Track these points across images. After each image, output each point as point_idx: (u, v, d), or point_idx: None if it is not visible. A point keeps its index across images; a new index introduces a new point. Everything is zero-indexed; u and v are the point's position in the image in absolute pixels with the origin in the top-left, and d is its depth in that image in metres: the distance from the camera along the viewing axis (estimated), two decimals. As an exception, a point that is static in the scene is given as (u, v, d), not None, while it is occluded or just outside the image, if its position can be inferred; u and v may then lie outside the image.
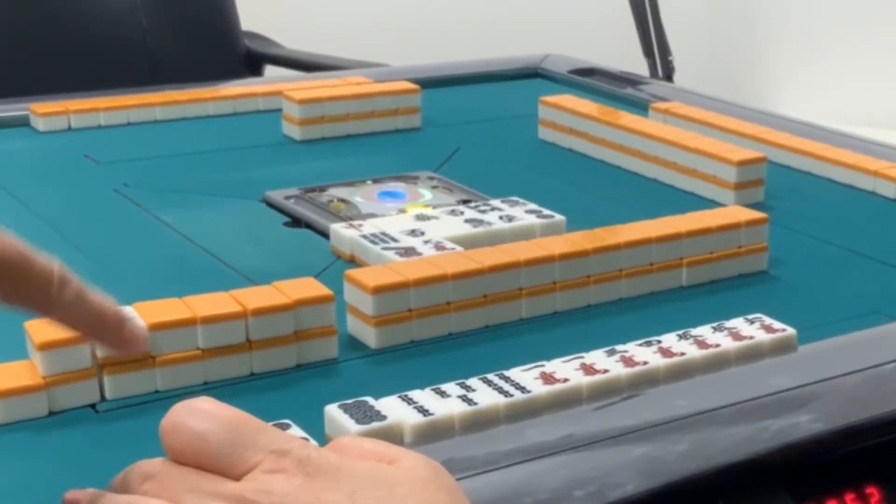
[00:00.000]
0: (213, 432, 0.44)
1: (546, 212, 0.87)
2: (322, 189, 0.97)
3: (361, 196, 0.96)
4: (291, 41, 2.04)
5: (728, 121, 1.12)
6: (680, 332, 0.68)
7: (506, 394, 0.60)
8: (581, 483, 0.53)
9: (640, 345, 0.66)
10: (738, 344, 0.67)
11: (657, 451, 0.56)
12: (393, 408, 0.58)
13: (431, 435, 0.57)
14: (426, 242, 0.80)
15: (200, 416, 0.45)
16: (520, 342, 0.72)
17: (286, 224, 0.92)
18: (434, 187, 0.99)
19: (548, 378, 0.62)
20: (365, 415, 0.57)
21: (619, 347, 0.66)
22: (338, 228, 0.84)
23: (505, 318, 0.74)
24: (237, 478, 0.43)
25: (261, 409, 0.47)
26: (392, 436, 0.57)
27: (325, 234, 0.87)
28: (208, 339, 0.65)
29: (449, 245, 0.79)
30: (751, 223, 0.82)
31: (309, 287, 0.69)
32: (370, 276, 0.71)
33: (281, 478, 0.43)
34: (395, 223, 0.85)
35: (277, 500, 0.42)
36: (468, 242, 0.81)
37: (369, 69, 1.45)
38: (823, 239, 0.90)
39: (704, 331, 0.68)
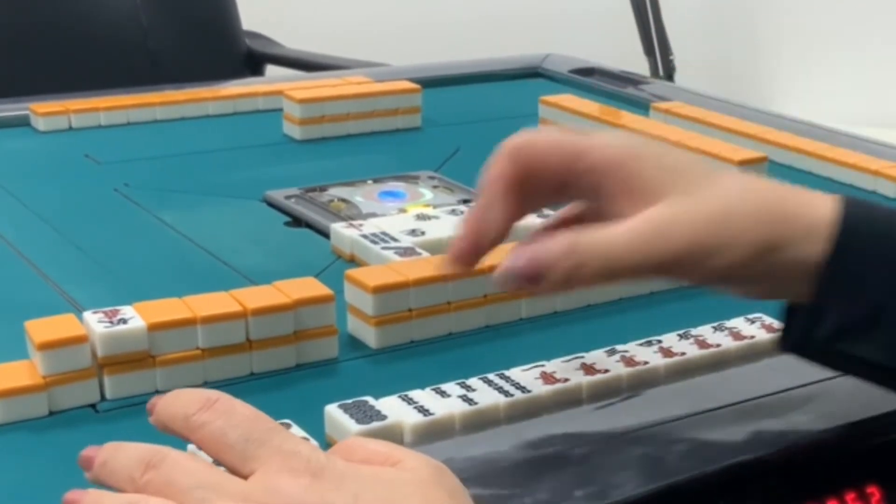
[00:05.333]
0: (232, 427, 0.45)
1: (546, 211, 0.87)
2: (322, 189, 0.97)
3: (362, 196, 0.96)
4: (292, 41, 2.04)
5: (729, 120, 1.12)
6: (680, 331, 0.68)
7: (506, 393, 0.60)
8: (581, 483, 0.53)
9: (641, 344, 0.66)
10: (738, 343, 0.67)
11: (657, 451, 0.56)
12: (393, 408, 0.58)
13: (431, 435, 0.57)
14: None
15: (223, 409, 0.45)
16: (520, 342, 0.72)
17: (286, 224, 0.92)
18: (434, 187, 0.99)
19: (548, 378, 0.62)
20: (365, 415, 0.57)
21: (619, 347, 0.66)
22: (338, 228, 0.84)
23: (505, 318, 0.74)
24: (245, 475, 0.44)
25: (261, 408, 0.47)
26: (392, 435, 0.57)
27: (325, 234, 0.87)
28: (208, 339, 0.65)
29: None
30: (751, 223, 0.82)
31: (309, 287, 0.69)
32: (370, 275, 0.71)
33: (288, 477, 0.43)
34: (395, 223, 0.85)
35: (283, 499, 0.42)
36: (468, 242, 0.81)
37: (370, 69, 1.45)
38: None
39: (705, 330, 0.68)
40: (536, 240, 0.56)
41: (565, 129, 0.59)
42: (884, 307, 0.54)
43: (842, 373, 0.58)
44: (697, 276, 0.56)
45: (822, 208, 0.55)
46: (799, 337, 0.56)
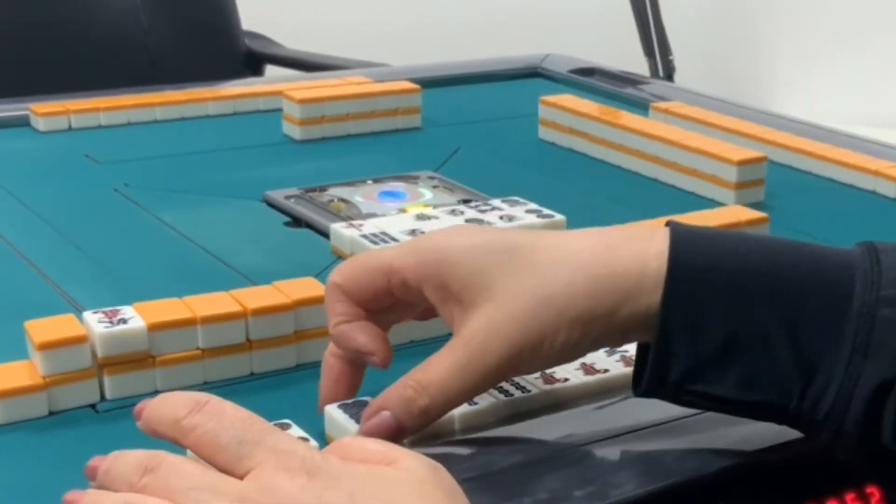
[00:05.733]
0: (224, 429, 0.45)
1: (546, 211, 0.87)
2: (322, 189, 0.97)
3: (362, 196, 0.96)
4: (292, 41, 2.04)
5: (728, 120, 1.12)
6: (680, 331, 0.67)
7: (506, 393, 0.60)
8: (581, 483, 0.53)
9: (641, 345, 0.66)
10: (738, 344, 0.66)
11: (657, 451, 0.56)
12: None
13: (431, 435, 0.57)
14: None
15: (214, 412, 0.45)
16: (520, 342, 0.72)
17: (286, 224, 0.92)
18: (434, 187, 0.99)
19: (548, 378, 0.62)
20: None
21: (619, 347, 0.65)
22: (338, 228, 0.84)
23: (505, 317, 0.74)
24: (241, 475, 0.44)
25: (261, 409, 0.47)
26: (392, 436, 0.57)
27: (325, 234, 0.87)
28: (208, 339, 0.65)
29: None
30: (751, 223, 0.82)
31: (309, 287, 0.69)
32: (370, 275, 0.71)
33: (284, 477, 0.43)
34: (395, 223, 0.84)
35: (280, 499, 0.43)
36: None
37: (369, 69, 1.45)
38: (824, 238, 0.89)
39: (704, 330, 0.68)
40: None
41: (375, 250, 0.57)
42: (734, 337, 0.52)
43: (700, 410, 0.56)
44: (538, 367, 0.57)
45: (652, 254, 0.53)
46: (650, 382, 0.54)
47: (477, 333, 0.54)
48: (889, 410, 0.51)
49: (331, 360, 0.60)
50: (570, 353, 0.55)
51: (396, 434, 0.55)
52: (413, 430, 0.55)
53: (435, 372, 0.54)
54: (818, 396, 0.52)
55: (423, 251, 0.56)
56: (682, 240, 0.53)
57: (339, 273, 0.58)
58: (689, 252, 0.53)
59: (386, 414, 0.55)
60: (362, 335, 0.57)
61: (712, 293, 0.52)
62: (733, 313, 0.52)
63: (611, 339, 0.55)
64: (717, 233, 0.55)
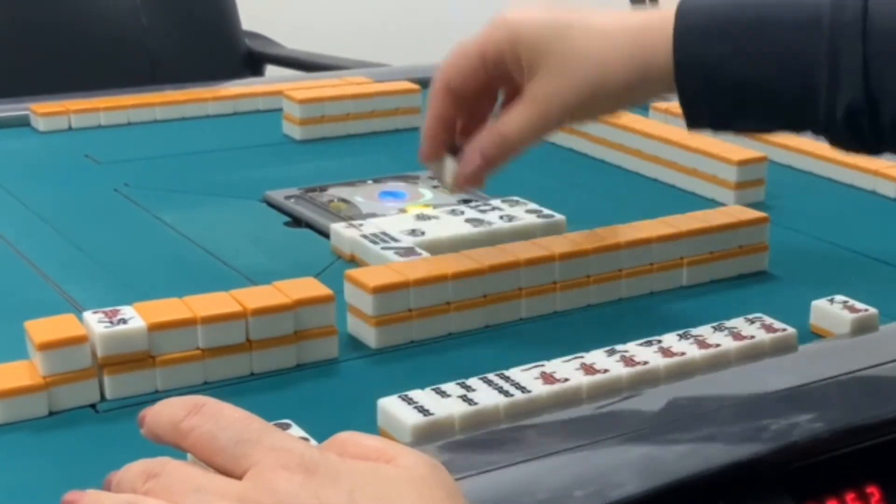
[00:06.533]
0: (221, 429, 0.45)
1: (546, 211, 0.87)
2: (322, 189, 0.97)
3: (362, 196, 0.96)
4: (292, 41, 2.04)
5: (728, 120, 1.11)
6: (680, 331, 0.68)
7: (506, 394, 0.60)
8: (581, 483, 0.53)
9: (641, 345, 0.66)
10: (738, 344, 0.67)
11: (657, 451, 0.56)
12: (393, 408, 0.58)
13: (431, 435, 0.57)
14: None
15: (211, 413, 0.46)
16: (520, 342, 0.72)
17: (286, 224, 0.92)
18: (434, 187, 0.99)
19: (548, 378, 0.62)
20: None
21: (619, 347, 0.66)
22: (338, 228, 0.84)
23: (505, 318, 0.74)
24: (240, 475, 0.44)
25: (261, 409, 0.47)
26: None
27: (325, 234, 0.87)
28: (208, 339, 0.65)
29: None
30: (751, 223, 0.82)
31: (309, 287, 0.69)
32: (370, 275, 0.71)
33: (283, 475, 0.43)
34: (395, 223, 0.85)
35: (279, 498, 0.43)
36: (468, 242, 0.81)
37: (369, 69, 1.45)
38: (824, 238, 0.90)
39: (705, 330, 0.68)
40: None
41: (461, 43, 0.77)
42: (743, 85, 0.66)
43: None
44: (587, 119, 0.79)
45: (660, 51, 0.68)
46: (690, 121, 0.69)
47: (538, 94, 0.71)
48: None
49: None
50: (610, 109, 0.74)
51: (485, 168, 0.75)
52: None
53: (506, 123, 0.73)
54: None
55: (500, 25, 0.74)
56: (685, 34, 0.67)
57: (443, 73, 0.75)
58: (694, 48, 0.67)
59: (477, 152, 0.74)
60: (436, 134, 0.76)
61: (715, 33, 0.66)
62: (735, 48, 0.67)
63: (641, 98, 0.74)
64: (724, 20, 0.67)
